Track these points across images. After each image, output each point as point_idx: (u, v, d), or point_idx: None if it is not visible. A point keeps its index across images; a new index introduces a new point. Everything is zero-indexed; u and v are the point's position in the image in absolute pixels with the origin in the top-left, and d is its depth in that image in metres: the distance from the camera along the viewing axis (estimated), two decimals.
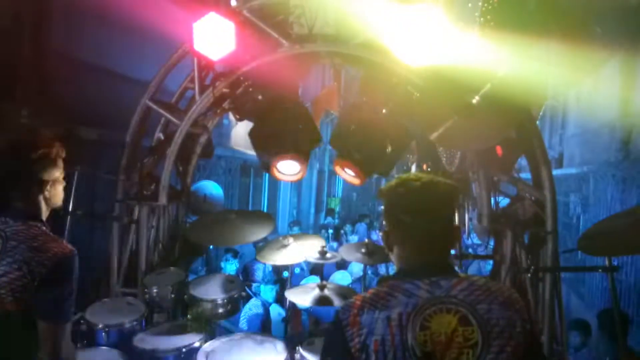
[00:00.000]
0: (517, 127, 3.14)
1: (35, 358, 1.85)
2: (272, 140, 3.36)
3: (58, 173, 2.02)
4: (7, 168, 1.97)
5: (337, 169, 3.69)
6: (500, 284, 1.51)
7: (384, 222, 1.55)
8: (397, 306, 1.38)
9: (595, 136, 7.40)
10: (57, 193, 2.04)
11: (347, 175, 3.66)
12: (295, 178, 3.57)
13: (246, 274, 5.40)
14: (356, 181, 3.68)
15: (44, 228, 1.95)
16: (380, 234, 1.47)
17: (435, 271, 1.44)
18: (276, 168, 3.45)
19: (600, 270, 2.70)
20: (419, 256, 1.45)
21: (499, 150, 3.48)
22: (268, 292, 4.94)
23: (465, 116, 2.83)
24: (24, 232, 1.89)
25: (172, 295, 3.27)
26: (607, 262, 2.67)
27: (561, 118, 9.79)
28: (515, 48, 3.09)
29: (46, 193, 1.98)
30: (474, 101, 2.80)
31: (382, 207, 1.56)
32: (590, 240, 2.68)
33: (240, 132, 8.07)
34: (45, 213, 2.01)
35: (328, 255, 3.52)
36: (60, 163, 2.04)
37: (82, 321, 3.00)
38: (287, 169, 3.52)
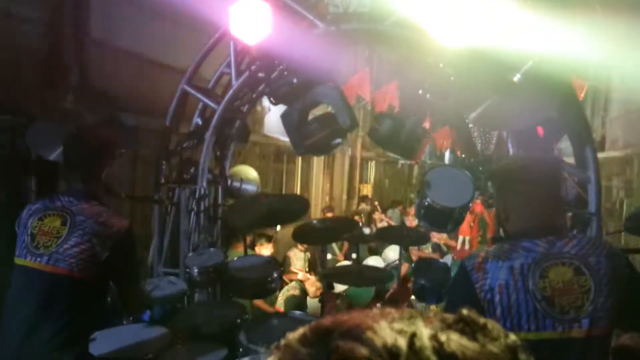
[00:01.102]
0: (560, 106, 3.04)
1: (91, 322, 2.03)
2: (307, 121, 3.37)
3: (113, 158, 2.20)
4: (71, 153, 2.17)
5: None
6: (600, 239, 1.81)
7: (497, 195, 1.81)
8: (518, 258, 1.60)
9: (639, 118, 7.09)
10: (111, 176, 2.24)
11: None
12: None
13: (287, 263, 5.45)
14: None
15: (104, 206, 2.15)
16: (493, 203, 1.83)
17: (549, 232, 1.64)
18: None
19: None
20: (535, 220, 1.67)
21: (540, 130, 3.39)
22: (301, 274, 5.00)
23: (506, 95, 2.77)
24: (89, 209, 2.10)
25: (212, 275, 3.36)
26: None
27: (604, 100, 9.42)
28: (555, 25, 2.99)
29: (103, 176, 2.16)
30: (515, 79, 2.74)
31: (496, 182, 1.83)
32: (635, 221, 2.59)
33: (273, 118, 8.12)
34: (100, 194, 2.18)
35: (363, 234, 3.53)
36: (115, 149, 2.22)
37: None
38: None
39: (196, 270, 3.38)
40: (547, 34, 2.94)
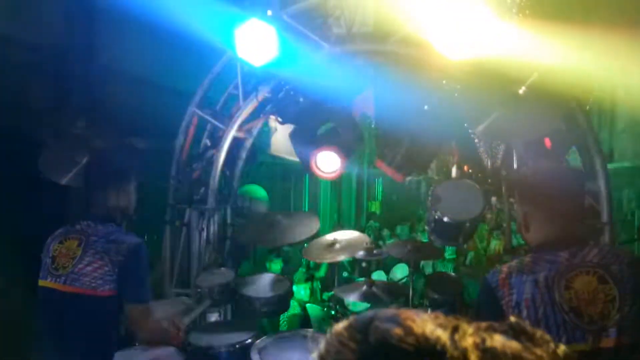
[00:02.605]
0: (566, 117, 3.06)
1: (111, 339, 2.06)
2: (315, 139, 3.41)
3: (132, 185, 2.26)
4: (91, 179, 2.29)
5: (381, 166, 3.70)
6: (621, 249, 1.86)
7: (519, 207, 1.81)
8: (542, 271, 1.59)
9: None
10: (130, 202, 2.29)
11: (391, 171, 3.67)
12: (333, 175, 3.61)
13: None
14: (398, 177, 3.68)
15: (120, 227, 2.26)
16: (518, 215, 1.82)
17: (571, 243, 1.63)
18: (316, 165, 3.50)
19: None
20: (557, 231, 1.66)
21: (547, 142, 3.39)
22: (301, 291, 4.97)
23: (512, 107, 2.79)
24: (103, 230, 2.19)
25: (223, 294, 3.35)
26: None
27: (610, 112, 9.41)
28: (557, 40, 3.02)
29: (122, 202, 2.21)
30: (521, 91, 2.76)
31: (517, 193, 1.84)
32: None
33: (280, 138, 8.17)
34: (119, 219, 2.24)
35: (374, 252, 3.52)
36: (134, 176, 2.28)
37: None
38: (326, 166, 3.56)
39: (207, 290, 3.39)
40: (550, 49, 2.98)
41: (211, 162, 3.75)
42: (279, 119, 3.93)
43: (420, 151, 3.62)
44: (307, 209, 10.11)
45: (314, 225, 3.82)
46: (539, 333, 0.49)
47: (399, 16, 3.30)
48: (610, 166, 8.25)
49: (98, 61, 4.67)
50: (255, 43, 3.31)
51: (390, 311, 0.49)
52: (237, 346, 2.93)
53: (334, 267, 3.95)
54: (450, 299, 2.98)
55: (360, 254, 3.59)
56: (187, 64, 5.28)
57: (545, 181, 1.75)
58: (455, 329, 0.46)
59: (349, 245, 3.68)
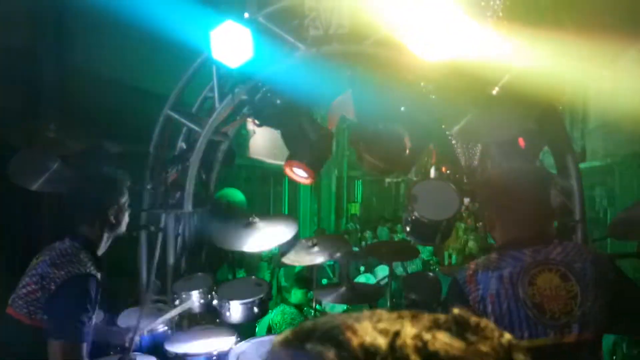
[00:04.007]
0: (538, 117, 3.11)
1: None
2: (289, 143, 3.40)
3: (123, 201, 2.09)
4: (76, 195, 2.12)
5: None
6: (586, 246, 1.92)
7: (485, 206, 1.87)
8: (507, 267, 1.64)
9: (617, 128, 7.27)
10: (121, 220, 2.11)
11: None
12: (306, 182, 3.63)
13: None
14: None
15: (83, 250, 2.00)
16: (484, 214, 1.87)
17: (536, 241, 1.69)
18: (291, 169, 3.50)
19: (631, 256, 2.65)
20: (521, 231, 1.71)
21: (521, 142, 3.45)
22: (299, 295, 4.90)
23: (486, 108, 2.82)
24: (61, 250, 1.97)
25: (201, 301, 3.30)
26: (637, 249, 2.62)
27: (582, 112, 9.65)
28: (531, 43, 3.08)
29: (111, 219, 2.05)
30: (494, 92, 2.80)
31: (484, 196, 1.90)
32: (619, 226, 2.63)
33: (258, 141, 8.13)
34: (106, 239, 2.07)
35: (352, 253, 3.52)
36: (126, 191, 2.12)
37: (114, 328, 3.05)
38: (299, 172, 3.59)
39: (184, 296, 3.33)
40: (522, 49, 3.03)
41: (187, 165, 3.69)
42: (256, 122, 3.90)
43: (400, 153, 3.63)
44: (286, 212, 10.08)
45: (293, 227, 3.80)
46: (483, 323, 0.48)
47: (375, 18, 3.31)
48: (582, 165, 8.48)
49: (70, 63, 4.56)
50: (231, 45, 3.29)
51: (331, 322, 0.47)
52: (215, 352, 2.89)
53: (307, 291, 3.96)
54: (428, 299, 2.99)
55: (339, 256, 3.58)
56: (163, 66, 5.20)
57: (509, 181, 1.78)
58: (396, 335, 0.44)
59: (328, 248, 3.67)
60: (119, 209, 2.10)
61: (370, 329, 0.45)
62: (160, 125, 3.86)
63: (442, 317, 0.48)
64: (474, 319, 0.48)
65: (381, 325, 0.46)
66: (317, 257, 3.60)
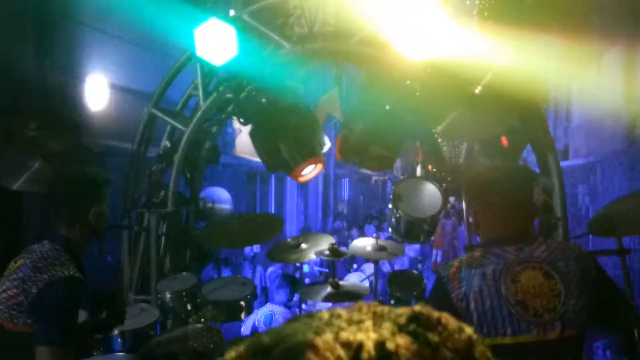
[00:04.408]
0: (521, 115, 3.15)
1: None
2: (277, 139, 3.38)
3: (103, 201, 2.04)
4: (54, 194, 2.04)
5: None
6: (570, 244, 1.89)
7: (470, 204, 1.89)
8: (490, 265, 1.64)
9: (600, 126, 7.37)
10: (101, 221, 2.05)
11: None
12: (310, 177, 3.62)
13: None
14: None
15: (64, 252, 1.95)
16: (470, 212, 1.89)
17: (519, 238, 1.70)
18: (301, 172, 3.49)
19: (611, 253, 2.69)
20: (505, 228, 1.73)
21: (504, 140, 3.48)
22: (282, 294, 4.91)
23: (469, 107, 2.84)
24: (42, 252, 1.91)
25: (185, 300, 3.28)
26: (617, 246, 2.66)
27: (565, 110, 9.76)
28: (514, 42, 3.11)
29: (91, 220, 2.00)
30: (477, 91, 2.82)
31: (469, 192, 1.91)
32: (599, 223, 2.67)
33: (244, 139, 8.10)
34: (85, 239, 2.02)
35: (338, 252, 3.53)
36: (106, 191, 2.06)
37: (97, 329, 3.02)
38: (308, 171, 3.57)
39: (168, 296, 3.30)
40: (506, 50, 3.05)
41: (171, 164, 3.66)
42: (241, 120, 3.88)
43: (385, 149, 3.64)
44: (273, 211, 10.06)
45: (279, 226, 3.79)
46: (444, 319, 0.48)
47: (360, 16, 3.32)
48: (565, 163, 8.59)
49: (51, 61, 4.49)
50: (215, 42, 3.26)
51: (291, 338, 0.45)
52: (198, 353, 2.87)
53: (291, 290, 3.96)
54: (412, 296, 3.01)
55: (326, 254, 3.58)
56: (147, 63, 5.16)
57: (493, 179, 1.79)
58: (358, 350, 0.43)
59: (314, 246, 3.67)
60: (100, 210, 2.05)
61: (331, 342, 0.43)
62: (143, 124, 3.82)
63: (403, 316, 0.47)
64: (434, 316, 0.48)
65: (344, 336, 0.44)
66: (302, 256, 3.60)
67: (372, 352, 0.43)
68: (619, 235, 2.64)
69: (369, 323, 0.46)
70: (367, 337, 0.44)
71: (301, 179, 3.63)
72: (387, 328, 0.45)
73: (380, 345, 0.43)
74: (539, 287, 1.61)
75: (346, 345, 0.43)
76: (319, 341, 0.44)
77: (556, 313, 1.59)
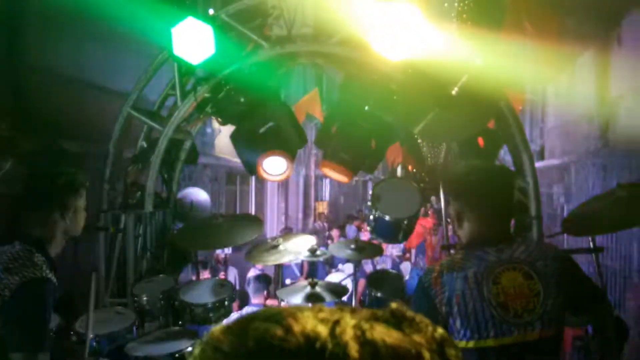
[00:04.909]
0: (496, 117, 3.20)
1: None
2: (256, 139, 3.36)
3: (80, 201, 1.99)
4: (28, 194, 1.99)
5: (325, 170, 3.70)
6: (547, 244, 2.00)
7: (452, 205, 1.86)
8: (471, 267, 1.64)
9: (574, 127, 7.54)
10: (77, 222, 2.00)
11: (334, 174, 3.68)
12: (281, 178, 3.58)
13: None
14: (344, 179, 3.70)
15: (36, 253, 1.89)
16: (451, 213, 1.88)
17: (500, 240, 1.70)
18: (262, 167, 3.45)
19: (585, 251, 2.74)
20: (486, 229, 1.73)
21: (480, 141, 3.53)
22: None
23: (446, 108, 2.87)
24: (13, 253, 1.85)
25: (162, 302, 3.24)
26: (591, 244, 2.71)
27: (541, 112, 9.95)
28: (491, 45, 3.16)
29: (66, 220, 1.95)
30: (453, 92, 2.85)
31: (450, 192, 1.89)
32: (573, 222, 2.72)
33: (224, 139, 8.05)
34: (59, 240, 1.97)
35: (318, 252, 3.53)
36: (83, 192, 2.01)
37: (72, 332, 2.96)
38: (273, 168, 3.52)
39: (145, 299, 3.26)
40: (482, 52, 3.10)
41: (148, 164, 3.61)
42: (219, 120, 3.85)
43: (367, 151, 3.65)
44: (253, 212, 10.01)
45: (258, 227, 3.77)
46: (418, 318, 0.50)
47: (339, 17, 3.32)
48: (541, 163, 8.75)
49: (24, 60, 4.39)
50: (192, 41, 3.23)
51: (272, 310, 0.48)
52: (176, 355, 2.84)
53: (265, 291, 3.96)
54: (391, 296, 3.03)
55: (305, 255, 3.58)
56: (124, 62, 5.07)
57: (475, 180, 1.80)
58: (336, 323, 0.45)
59: (294, 247, 3.66)
60: (74, 210, 1.99)
61: (311, 317, 0.46)
62: (120, 124, 3.75)
63: (380, 311, 0.50)
64: (409, 314, 0.50)
65: (322, 315, 0.47)
66: (282, 257, 3.58)
67: (348, 328, 0.45)
68: (592, 234, 2.69)
69: (347, 312, 0.48)
70: (344, 317, 0.46)
71: (266, 177, 3.55)
72: (363, 315, 0.48)
73: (356, 324, 0.45)
74: (519, 287, 1.62)
75: (324, 320, 0.46)
76: (300, 314, 0.46)
77: (535, 313, 1.61)
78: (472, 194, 1.77)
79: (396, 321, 0.48)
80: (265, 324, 0.45)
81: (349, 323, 0.45)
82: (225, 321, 4.50)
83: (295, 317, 0.46)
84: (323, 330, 0.44)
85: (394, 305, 0.51)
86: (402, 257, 8.66)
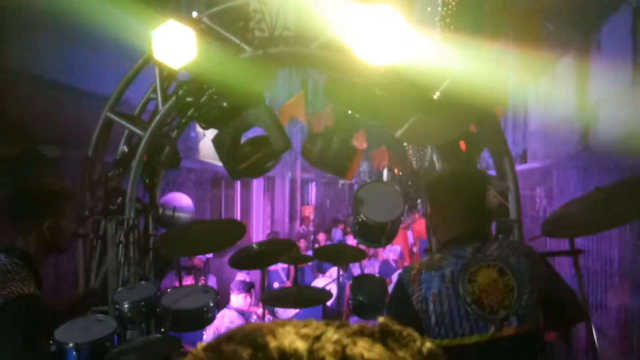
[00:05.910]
0: (478, 121, 3.22)
1: None
2: (239, 144, 3.34)
3: (61, 212, 1.94)
4: (11, 204, 1.93)
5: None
6: (519, 241, 2.09)
7: (428, 206, 1.96)
8: (448, 266, 1.69)
9: (555, 131, 7.65)
10: (60, 236, 1.95)
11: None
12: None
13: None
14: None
15: (23, 266, 1.85)
16: (427, 214, 1.96)
17: (475, 239, 1.75)
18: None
19: (564, 254, 2.78)
20: (461, 229, 1.77)
21: (462, 145, 3.56)
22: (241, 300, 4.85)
23: (428, 112, 2.89)
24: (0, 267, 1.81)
25: (144, 309, 3.19)
26: (570, 247, 2.74)
27: (523, 115, 10.09)
28: (473, 50, 3.20)
29: (46, 233, 1.90)
30: (435, 97, 2.87)
31: (429, 195, 1.96)
32: (553, 225, 2.75)
33: (208, 144, 7.99)
34: (42, 253, 1.92)
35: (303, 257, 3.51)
36: (65, 204, 1.96)
37: (51, 342, 2.89)
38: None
39: (127, 306, 3.20)
40: (464, 56, 3.13)
41: (128, 169, 3.56)
42: (202, 124, 3.82)
43: (348, 154, 3.65)
44: (239, 216, 9.95)
45: (242, 232, 3.73)
46: (406, 332, 0.49)
47: (321, 21, 3.33)
48: (523, 166, 8.85)
49: (3, 63, 4.30)
50: (173, 45, 3.20)
51: (251, 326, 0.47)
52: None
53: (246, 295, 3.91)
54: (374, 300, 3.03)
55: (290, 260, 3.56)
56: (104, 66, 5.01)
57: (448, 180, 1.87)
58: (316, 339, 0.44)
59: (278, 252, 3.64)
60: (57, 223, 1.95)
61: (291, 334, 0.45)
62: (99, 128, 3.70)
63: (368, 326, 0.49)
64: (397, 327, 0.49)
65: (304, 331, 0.46)
66: (267, 262, 3.56)
67: (328, 344, 0.44)
68: (571, 236, 2.73)
69: (332, 327, 0.47)
70: (326, 333, 0.45)
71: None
72: (348, 331, 0.47)
73: (337, 340, 0.44)
74: (493, 284, 1.65)
75: (305, 336, 0.45)
76: (280, 330, 0.45)
77: (511, 308, 1.63)
78: (444, 193, 1.83)
79: (382, 336, 0.47)
80: (234, 346, 0.44)
81: (330, 338, 0.45)
82: (209, 335, 4.46)
83: (274, 333, 0.45)
84: (301, 346, 0.44)
85: (381, 319, 0.50)
86: (399, 262, 8.49)
